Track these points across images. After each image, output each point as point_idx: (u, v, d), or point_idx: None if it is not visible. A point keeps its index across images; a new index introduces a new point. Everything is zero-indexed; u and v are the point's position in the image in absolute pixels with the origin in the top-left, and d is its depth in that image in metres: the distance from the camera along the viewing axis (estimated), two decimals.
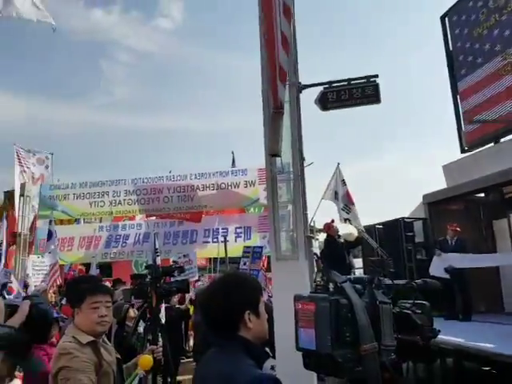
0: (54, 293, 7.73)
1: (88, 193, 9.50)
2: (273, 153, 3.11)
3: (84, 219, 11.09)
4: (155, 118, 72.51)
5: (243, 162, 14.88)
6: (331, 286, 1.44)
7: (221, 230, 9.12)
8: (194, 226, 9.40)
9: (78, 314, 2.21)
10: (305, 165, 3.76)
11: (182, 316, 7.53)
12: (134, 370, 2.64)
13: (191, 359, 8.54)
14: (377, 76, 4.75)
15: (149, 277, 3.46)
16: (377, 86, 4.70)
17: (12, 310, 0.75)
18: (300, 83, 4.12)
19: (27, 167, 11.18)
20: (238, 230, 8.90)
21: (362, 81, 4.75)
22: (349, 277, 1.49)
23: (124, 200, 9.36)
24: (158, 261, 7.93)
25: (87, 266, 11.03)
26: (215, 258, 10.35)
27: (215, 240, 9.08)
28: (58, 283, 7.79)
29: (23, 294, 6.73)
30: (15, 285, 7.28)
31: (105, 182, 9.62)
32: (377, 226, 7.88)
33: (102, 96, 70.66)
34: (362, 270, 6.82)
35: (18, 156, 11.14)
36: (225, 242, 7.22)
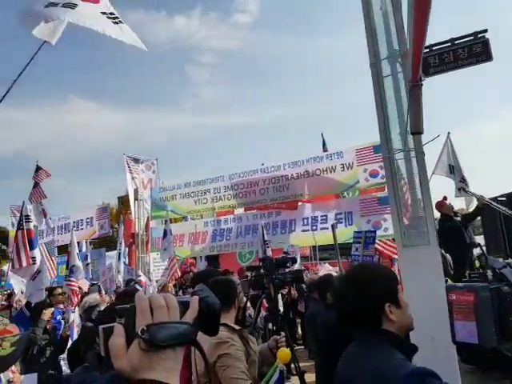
0: (174, 286, 8.42)
1: (192, 192, 10.17)
2: (416, 130, 2.84)
3: (190, 217, 11.87)
4: (242, 112, 74.53)
5: (334, 145, 14.49)
6: (489, 272, 1.29)
7: (319, 218, 9.00)
8: (291, 215, 9.44)
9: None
10: (424, 141, 3.43)
11: (292, 305, 7.65)
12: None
13: (302, 347, 8.72)
14: (486, 31, 4.21)
15: (263, 268, 3.53)
16: (486, 41, 4.16)
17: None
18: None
19: (137, 174, 12.28)
20: (339, 216, 8.65)
21: (469, 39, 4.25)
22: (508, 261, 1.33)
23: (224, 195, 9.82)
24: (269, 252, 8.20)
25: (195, 258, 11.84)
26: (313, 247, 10.30)
27: (314, 228, 8.99)
28: (177, 276, 8.46)
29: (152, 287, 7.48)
30: (144, 278, 8.16)
31: (205, 180, 10.19)
32: (499, 199, 7.05)
33: (190, 100, 74.66)
34: (484, 249, 6.09)
35: (127, 164, 12.29)
36: (333, 228, 6.97)
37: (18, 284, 6.01)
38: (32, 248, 5.73)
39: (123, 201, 25.87)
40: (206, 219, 10.79)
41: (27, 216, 6.05)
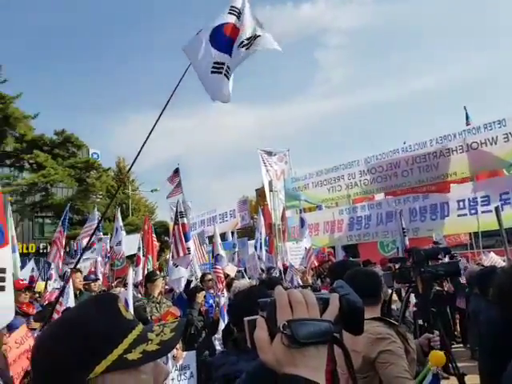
0: (312, 276, 8.44)
1: (325, 179, 9.97)
2: None
3: (325, 205, 11.73)
4: (375, 90, 70.90)
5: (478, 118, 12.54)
6: None
7: (479, 199, 7.74)
8: (442, 197, 8.36)
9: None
10: None
11: (447, 299, 6.90)
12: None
13: (461, 345, 7.83)
14: None
15: (410, 260, 3.23)
16: None
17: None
18: None
19: (270, 166, 12.68)
20: (504, 196, 7.33)
21: None
22: None
23: (360, 181, 9.35)
24: (406, 241, 7.56)
25: (333, 247, 11.67)
26: (475, 233, 9.04)
27: (473, 211, 7.78)
28: (314, 266, 8.46)
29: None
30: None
31: (338, 167, 9.88)
32: None
33: (320, 85, 74.14)
34: None
35: (262, 158, 12.79)
36: (497, 211, 5.83)
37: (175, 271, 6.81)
38: (187, 240, 6.45)
39: (260, 193, 27.15)
40: (341, 207, 10.48)
41: (181, 212, 6.81)
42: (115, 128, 63.60)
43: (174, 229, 6.72)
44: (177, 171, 10.64)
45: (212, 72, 4.44)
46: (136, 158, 4.18)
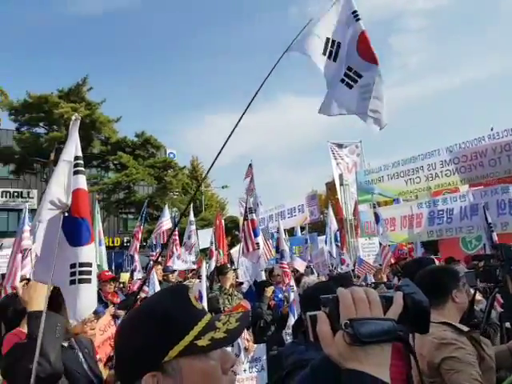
0: (388, 273, 8.03)
1: (402, 171, 9.36)
2: None
3: (402, 198, 11.09)
4: (457, 73, 65.64)
5: None
6: None
7: None
8: None
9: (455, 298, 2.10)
10: None
11: None
12: None
13: None
14: None
15: (496, 257, 2.91)
16: None
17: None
18: None
19: (341, 159, 12.32)
20: None
21: None
22: None
23: (441, 172, 8.63)
24: (494, 236, 6.83)
25: (413, 244, 10.98)
26: None
27: None
28: (391, 263, 8.04)
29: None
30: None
31: (417, 157, 9.23)
32: None
33: (396, 72, 70.51)
34: None
35: (332, 151, 12.48)
36: None
37: (246, 265, 6.94)
38: (256, 235, 6.54)
39: (330, 187, 26.62)
40: (421, 200, 9.80)
41: (250, 208, 6.93)
42: (190, 128, 66.74)
43: (243, 224, 6.83)
44: (250, 167, 10.80)
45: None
46: (216, 159, 4.21)
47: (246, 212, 6.92)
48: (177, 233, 11.03)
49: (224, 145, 4.01)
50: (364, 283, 7.19)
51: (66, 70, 55.01)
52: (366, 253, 9.59)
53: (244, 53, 71.96)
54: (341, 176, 11.65)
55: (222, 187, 31.89)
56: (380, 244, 8.33)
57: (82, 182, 2.23)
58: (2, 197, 27.17)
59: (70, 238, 2.07)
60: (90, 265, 2.09)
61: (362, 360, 0.71)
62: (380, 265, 8.04)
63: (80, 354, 2.30)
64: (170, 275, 8.21)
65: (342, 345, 0.72)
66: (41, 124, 26.01)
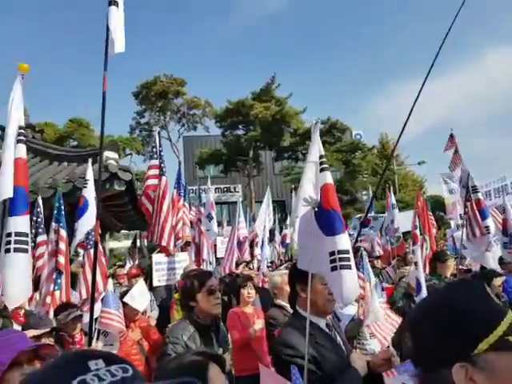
0: None
1: None
2: None
3: None
4: None
5: None
6: None
7: None
8: None
9: None
10: None
11: None
12: None
13: None
14: None
15: None
16: None
17: None
18: None
19: None
20: None
21: None
22: None
23: None
24: None
25: None
26: None
27: None
28: None
29: None
30: None
31: None
32: None
33: None
34: None
35: None
36: None
37: (473, 252, 6.12)
38: (484, 218, 5.55)
39: None
40: None
41: (473, 187, 5.87)
42: (376, 104, 64.10)
43: (465, 206, 5.88)
44: (452, 137, 9.62)
45: None
46: (402, 132, 4.01)
47: (467, 192, 5.85)
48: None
49: (409, 114, 3.72)
50: None
51: (256, 70, 60.28)
52: None
53: (424, 14, 64.65)
54: None
55: (419, 163, 29.16)
56: None
57: (327, 178, 2.44)
58: (215, 193, 32.10)
59: (324, 229, 2.29)
60: (347, 252, 2.27)
61: None
62: None
63: None
64: (375, 261, 8.18)
65: None
66: (240, 126, 29.47)
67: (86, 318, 3.33)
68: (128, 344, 3.77)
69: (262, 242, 9.02)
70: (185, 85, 35.35)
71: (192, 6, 67.75)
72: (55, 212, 4.62)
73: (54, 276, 4.28)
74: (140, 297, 4.21)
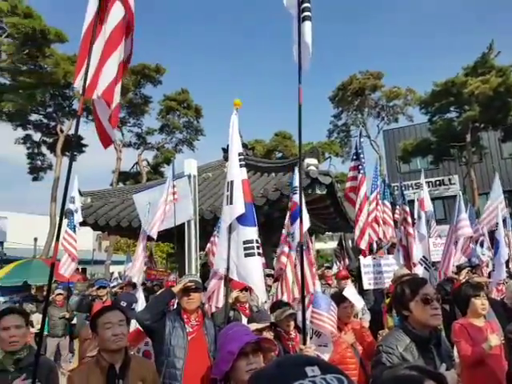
0: None
1: None
2: None
3: None
4: None
5: None
6: None
7: None
8: None
9: None
10: None
11: None
12: None
13: None
14: None
15: None
16: None
17: None
18: None
19: None
20: None
21: None
22: None
23: None
24: None
25: None
26: None
27: None
28: None
29: None
30: None
31: None
32: None
33: None
34: None
35: None
36: None
37: None
38: None
39: None
40: None
41: None
42: None
43: None
44: None
45: None
46: None
47: None
48: None
49: None
50: None
51: (462, 46, 52.93)
52: None
53: None
54: None
55: None
56: None
57: None
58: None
59: None
60: None
61: None
62: None
63: None
64: None
65: None
66: (451, 108, 26.03)
67: (299, 317, 3.50)
68: (342, 346, 3.74)
69: (497, 241, 7.49)
70: (382, 77, 34.00)
71: None
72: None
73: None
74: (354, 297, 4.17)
